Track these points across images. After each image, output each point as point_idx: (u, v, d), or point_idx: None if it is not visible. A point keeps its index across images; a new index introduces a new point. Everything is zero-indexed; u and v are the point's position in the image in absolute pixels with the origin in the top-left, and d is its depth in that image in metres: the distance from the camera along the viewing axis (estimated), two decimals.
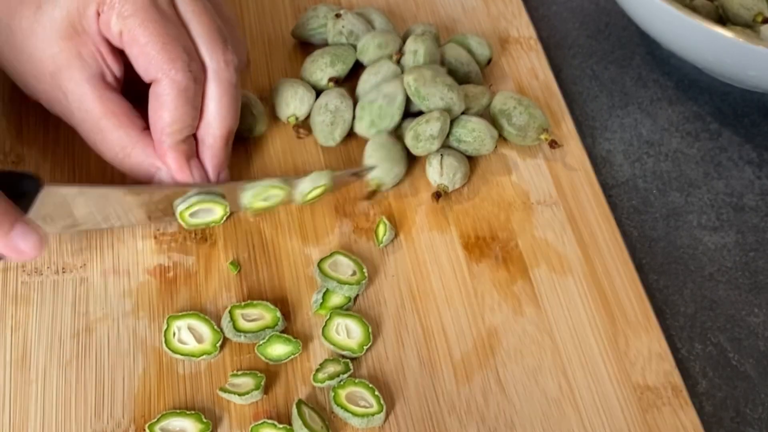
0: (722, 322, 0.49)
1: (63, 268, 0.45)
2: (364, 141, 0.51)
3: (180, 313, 0.43)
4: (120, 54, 0.45)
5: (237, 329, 0.42)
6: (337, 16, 0.54)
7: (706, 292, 0.50)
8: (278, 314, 0.43)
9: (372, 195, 0.49)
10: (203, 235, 0.47)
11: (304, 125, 0.52)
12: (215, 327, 0.43)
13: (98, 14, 0.43)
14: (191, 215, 0.45)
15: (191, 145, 0.46)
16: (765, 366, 0.47)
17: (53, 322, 0.43)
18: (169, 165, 0.45)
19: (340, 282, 0.45)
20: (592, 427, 0.43)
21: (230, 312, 0.43)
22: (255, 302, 0.44)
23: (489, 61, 0.56)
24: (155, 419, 0.40)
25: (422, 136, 0.50)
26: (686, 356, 0.47)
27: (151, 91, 0.44)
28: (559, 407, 0.43)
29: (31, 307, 0.43)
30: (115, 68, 0.45)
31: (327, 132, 0.51)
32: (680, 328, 0.48)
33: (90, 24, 0.43)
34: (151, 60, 0.43)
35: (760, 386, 0.46)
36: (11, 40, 0.44)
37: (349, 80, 0.54)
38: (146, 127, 0.45)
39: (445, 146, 0.51)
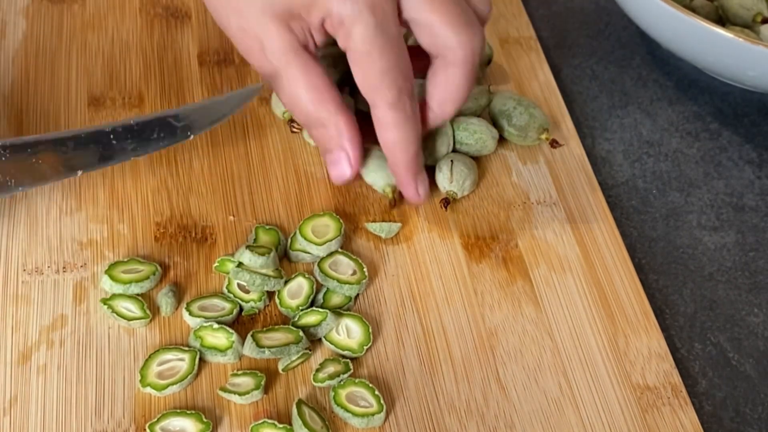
0: (722, 322, 0.49)
1: (63, 268, 0.45)
2: None
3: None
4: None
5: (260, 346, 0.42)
6: None
7: (706, 292, 0.50)
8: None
9: (394, 203, 0.49)
10: (203, 235, 0.47)
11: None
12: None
13: (322, 25, 0.43)
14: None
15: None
16: (765, 366, 0.47)
17: (53, 321, 0.43)
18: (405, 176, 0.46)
19: (341, 281, 0.45)
20: (591, 427, 0.43)
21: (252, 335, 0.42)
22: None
23: (489, 61, 0.56)
24: (155, 419, 0.40)
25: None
26: (686, 356, 0.47)
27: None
28: (559, 407, 0.43)
29: (31, 306, 0.43)
30: (319, 39, 0.44)
31: None
32: (680, 328, 0.48)
33: (312, 20, 0.43)
34: (368, 84, 0.43)
35: (760, 386, 0.46)
36: None
37: (348, 80, 0.54)
38: (342, 103, 0.45)
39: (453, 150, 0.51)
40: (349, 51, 0.43)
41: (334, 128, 0.45)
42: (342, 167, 0.46)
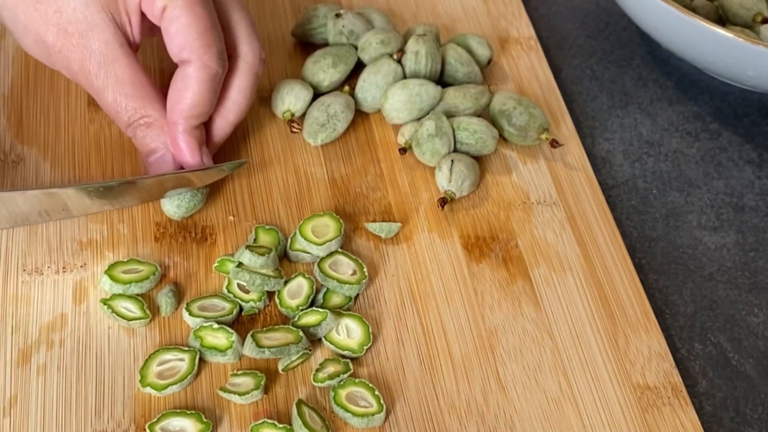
0: (722, 322, 0.49)
1: (63, 268, 0.45)
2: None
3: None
4: (142, 30, 0.45)
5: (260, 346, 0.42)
6: (337, 15, 0.54)
7: (706, 292, 0.50)
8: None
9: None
10: (203, 235, 0.47)
11: (298, 120, 0.52)
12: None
13: (140, 6, 0.43)
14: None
15: (203, 132, 0.47)
16: (765, 366, 0.47)
17: (53, 321, 0.43)
18: (181, 148, 0.45)
19: (341, 281, 0.45)
20: (592, 427, 0.43)
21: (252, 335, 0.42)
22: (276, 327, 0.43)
23: (489, 61, 0.56)
24: (155, 419, 0.40)
25: (422, 139, 0.50)
26: (686, 356, 0.47)
27: (179, 72, 0.45)
28: (559, 407, 0.43)
29: (31, 306, 0.43)
30: (137, 40, 0.45)
31: (313, 130, 0.51)
32: (680, 328, 0.48)
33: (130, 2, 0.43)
34: (189, 42, 0.44)
35: (760, 386, 0.46)
36: None
37: (348, 80, 0.54)
38: (164, 104, 0.46)
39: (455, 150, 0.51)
40: (171, 5, 0.43)
41: (162, 127, 0.45)
42: (168, 166, 0.46)
